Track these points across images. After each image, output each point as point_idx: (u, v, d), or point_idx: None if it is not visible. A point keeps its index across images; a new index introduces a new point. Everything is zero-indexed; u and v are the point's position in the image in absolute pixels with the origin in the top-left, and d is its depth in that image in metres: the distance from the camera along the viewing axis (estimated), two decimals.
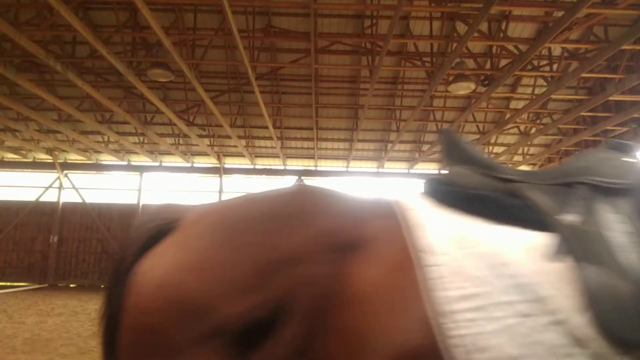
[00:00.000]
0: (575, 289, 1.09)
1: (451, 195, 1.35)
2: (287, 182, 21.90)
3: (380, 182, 21.94)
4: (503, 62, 12.20)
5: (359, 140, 18.71)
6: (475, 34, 9.66)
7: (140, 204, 21.50)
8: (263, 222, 1.32)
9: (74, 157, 21.36)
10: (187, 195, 22.09)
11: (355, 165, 21.85)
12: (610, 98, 12.28)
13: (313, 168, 22.10)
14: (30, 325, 9.76)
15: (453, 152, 1.46)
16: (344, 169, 21.98)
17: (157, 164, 21.53)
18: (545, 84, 12.95)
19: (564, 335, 1.06)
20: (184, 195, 22.10)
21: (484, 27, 10.87)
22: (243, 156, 20.67)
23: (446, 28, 11.85)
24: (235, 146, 19.75)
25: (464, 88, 12.31)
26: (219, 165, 21.42)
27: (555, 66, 11.89)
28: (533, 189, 1.28)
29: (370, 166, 21.84)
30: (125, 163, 21.56)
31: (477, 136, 17.54)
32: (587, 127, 15.27)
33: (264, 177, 22.40)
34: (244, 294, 1.20)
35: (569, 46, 11.41)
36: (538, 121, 16.02)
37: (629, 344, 1.02)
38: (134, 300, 1.27)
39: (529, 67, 12.40)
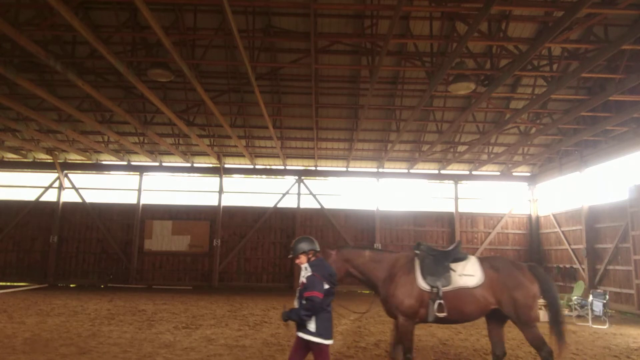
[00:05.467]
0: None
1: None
2: (287, 182, 21.91)
3: (380, 182, 21.92)
4: (503, 62, 12.20)
5: (359, 140, 18.71)
6: (475, 34, 9.68)
7: (140, 204, 21.51)
8: None
9: (74, 157, 21.37)
10: (187, 195, 22.10)
11: (355, 165, 21.84)
12: (610, 98, 12.28)
13: (313, 168, 22.10)
14: (30, 325, 9.76)
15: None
16: (344, 169, 21.97)
17: (157, 164, 21.53)
18: (545, 84, 12.95)
19: None
20: (184, 195, 22.11)
21: (484, 27, 10.87)
22: (243, 156, 20.68)
23: (446, 28, 11.86)
24: (235, 146, 19.75)
25: (464, 88, 12.30)
26: (219, 165, 21.42)
27: (555, 66, 11.89)
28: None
29: (370, 166, 21.84)
30: (125, 163, 21.56)
31: (477, 136, 17.54)
32: (587, 127, 15.27)
33: (264, 177, 22.41)
34: None
35: (569, 46, 11.41)
36: (538, 121, 16.01)
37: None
38: None
39: (529, 67, 12.40)
